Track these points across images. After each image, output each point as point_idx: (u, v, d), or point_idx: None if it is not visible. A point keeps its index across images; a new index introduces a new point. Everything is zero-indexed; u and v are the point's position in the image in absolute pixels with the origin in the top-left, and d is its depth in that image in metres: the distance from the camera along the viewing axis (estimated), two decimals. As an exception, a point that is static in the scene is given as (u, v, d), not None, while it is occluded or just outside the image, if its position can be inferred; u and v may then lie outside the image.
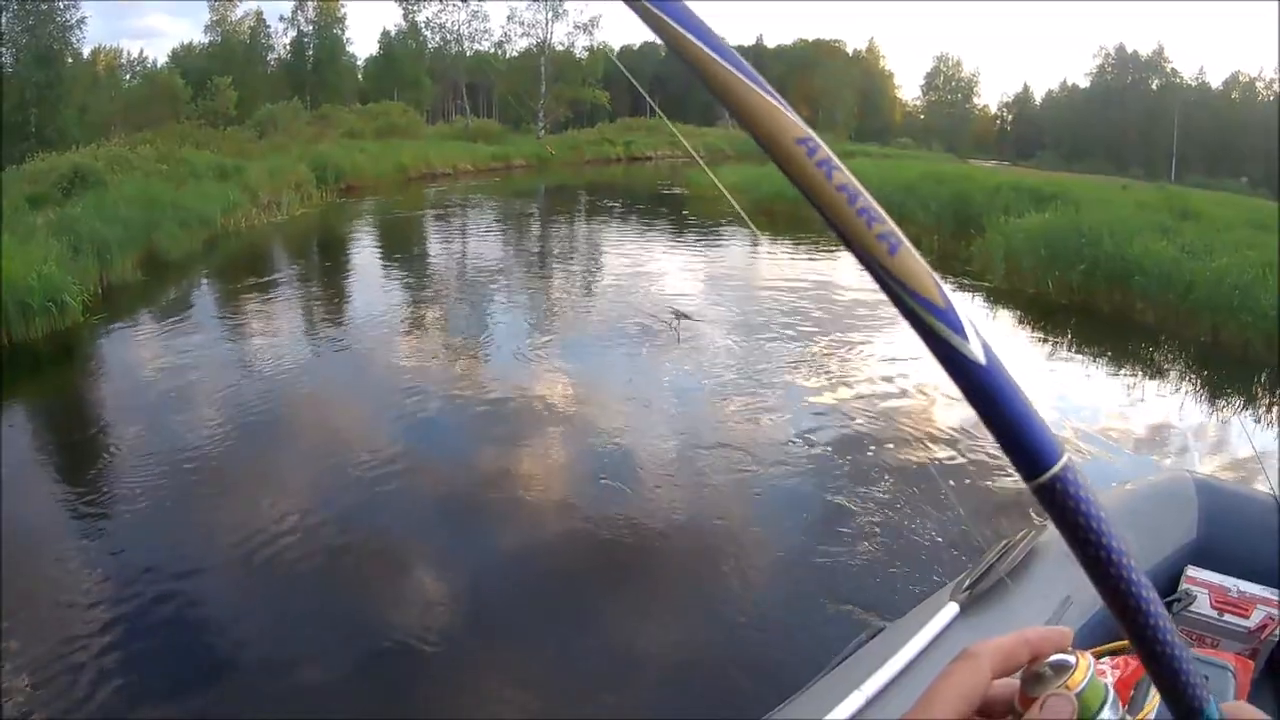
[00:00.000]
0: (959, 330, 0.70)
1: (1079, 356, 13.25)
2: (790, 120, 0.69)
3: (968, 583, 3.32)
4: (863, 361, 11.99)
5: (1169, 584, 3.52)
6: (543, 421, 9.51)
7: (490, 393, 10.40)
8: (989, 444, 8.51)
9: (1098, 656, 2.78)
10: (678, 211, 29.77)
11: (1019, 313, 15.75)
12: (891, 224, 0.68)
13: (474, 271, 19.82)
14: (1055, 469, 0.70)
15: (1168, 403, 10.91)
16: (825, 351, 12.32)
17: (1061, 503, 0.71)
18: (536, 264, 21.15)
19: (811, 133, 0.69)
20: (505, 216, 29.55)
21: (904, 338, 13.20)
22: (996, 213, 20.44)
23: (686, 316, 13.28)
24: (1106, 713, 0.79)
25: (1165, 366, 12.70)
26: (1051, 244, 16.56)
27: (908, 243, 0.69)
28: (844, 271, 18.75)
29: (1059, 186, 23.33)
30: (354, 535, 7.00)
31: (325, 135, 42.83)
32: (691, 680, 5.20)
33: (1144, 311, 14.56)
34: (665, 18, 0.72)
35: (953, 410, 9.57)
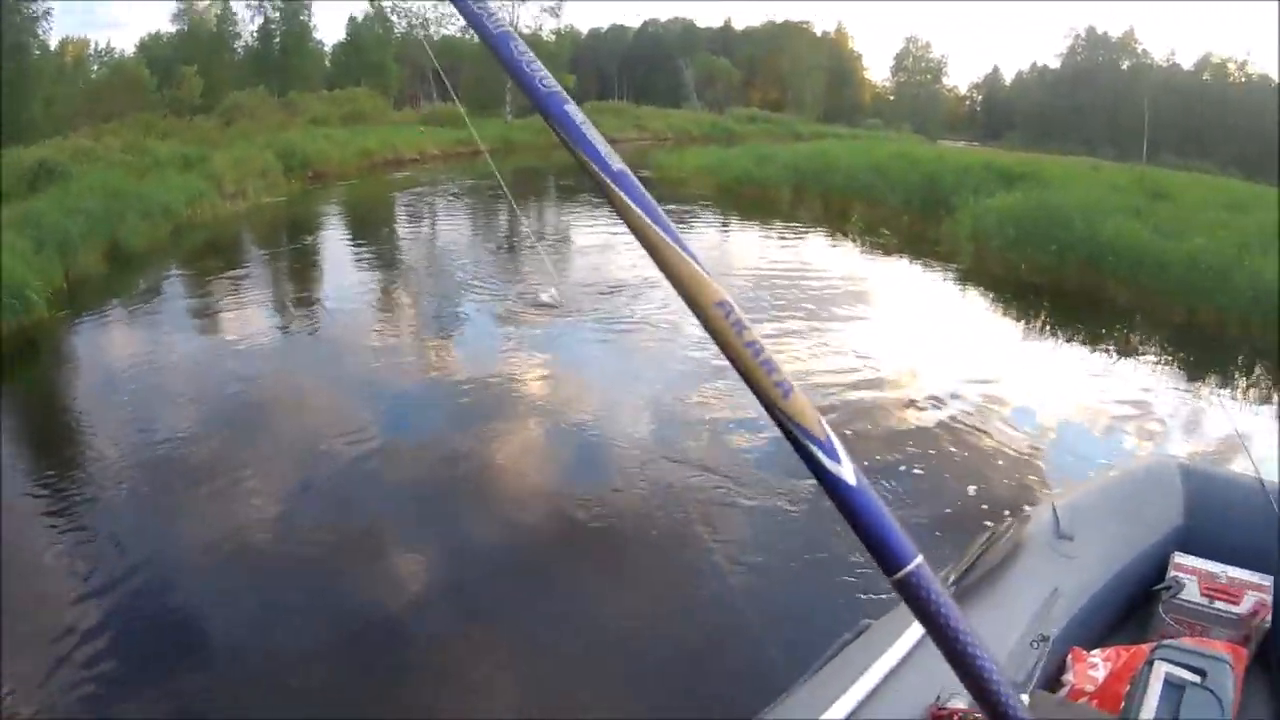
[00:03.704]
0: (835, 458, 0.95)
1: (1052, 339, 13.27)
2: (712, 285, 0.98)
3: (953, 576, 3.26)
4: (838, 342, 11.98)
5: (1156, 571, 3.54)
6: (517, 404, 9.56)
7: (462, 376, 10.45)
8: (979, 424, 8.99)
9: (1088, 650, 2.97)
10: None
11: (989, 294, 15.67)
12: (784, 373, 0.96)
13: (441, 255, 19.80)
14: (910, 566, 0.95)
15: (1145, 384, 10.86)
16: (798, 332, 12.29)
17: (917, 596, 0.95)
18: (504, 245, 21.09)
19: (727, 296, 0.98)
20: (471, 200, 29.45)
21: (881, 320, 13.47)
22: (966, 193, 20.36)
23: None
24: None
25: (1141, 348, 12.64)
26: (1021, 224, 16.59)
27: (797, 388, 0.96)
28: (813, 253, 19.11)
29: (1029, 166, 23.50)
30: (331, 520, 7.02)
31: (292, 122, 42.67)
32: (673, 675, 5.16)
33: (1117, 293, 14.53)
34: (614, 186, 1.02)
35: (936, 395, 9.70)
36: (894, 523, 0.96)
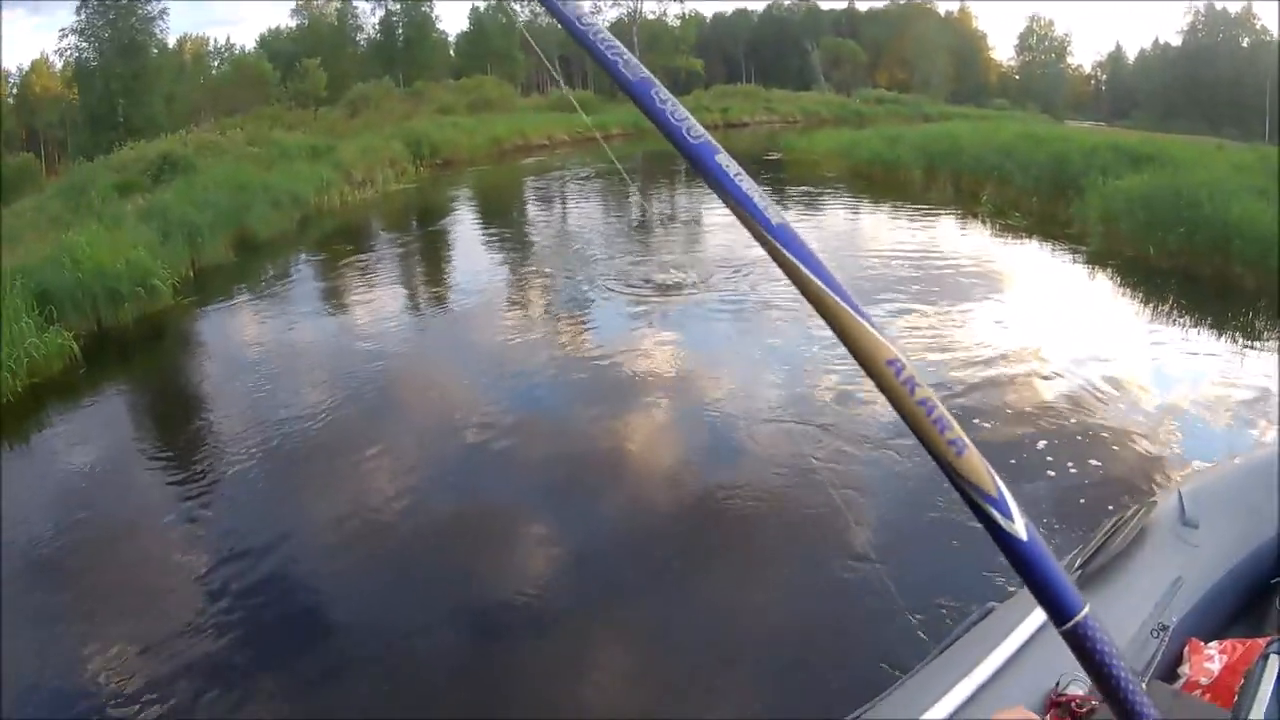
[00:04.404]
0: (1008, 514, 0.96)
1: (1179, 323, 12.87)
2: (881, 343, 0.98)
3: (1079, 561, 3.26)
4: (968, 329, 11.80)
5: (1274, 563, 3.42)
6: (647, 389, 9.59)
7: (593, 360, 10.54)
8: (1110, 413, 8.69)
9: (1205, 642, 2.91)
10: (775, 174, 29.84)
11: (1118, 276, 15.34)
12: (959, 430, 0.97)
13: (573, 239, 19.94)
14: (1078, 617, 0.94)
15: (1268, 372, 10.37)
16: (929, 317, 12.20)
17: (1085, 646, 0.94)
18: (636, 230, 21.07)
19: (898, 354, 0.97)
20: (601, 183, 29.55)
21: (1012, 303, 13.14)
22: (1094, 174, 19.76)
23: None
24: None
25: (1266, 334, 12.03)
26: (1150, 206, 16.04)
27: (971, 444, 0.97)
28: (944, 235, 19.07)
29: (1155, 147, 22.35)
30: (459, 503, 7.21)
31: (418, 112, 43.32)
32: (799, 654, 5.22)
33: (1244, 276, 13.98)
34: (776, 242, 1.01)
35: (1065, 379, 9.55)
36: (1063, 575, 0.97)
